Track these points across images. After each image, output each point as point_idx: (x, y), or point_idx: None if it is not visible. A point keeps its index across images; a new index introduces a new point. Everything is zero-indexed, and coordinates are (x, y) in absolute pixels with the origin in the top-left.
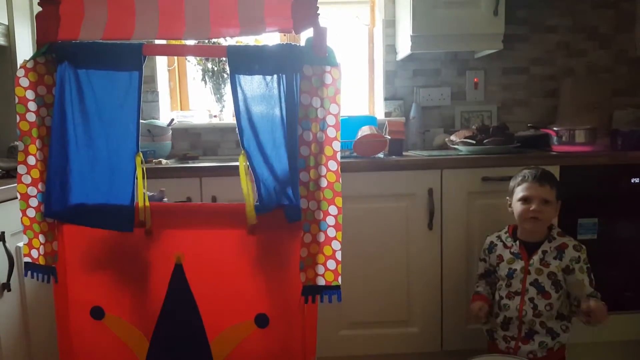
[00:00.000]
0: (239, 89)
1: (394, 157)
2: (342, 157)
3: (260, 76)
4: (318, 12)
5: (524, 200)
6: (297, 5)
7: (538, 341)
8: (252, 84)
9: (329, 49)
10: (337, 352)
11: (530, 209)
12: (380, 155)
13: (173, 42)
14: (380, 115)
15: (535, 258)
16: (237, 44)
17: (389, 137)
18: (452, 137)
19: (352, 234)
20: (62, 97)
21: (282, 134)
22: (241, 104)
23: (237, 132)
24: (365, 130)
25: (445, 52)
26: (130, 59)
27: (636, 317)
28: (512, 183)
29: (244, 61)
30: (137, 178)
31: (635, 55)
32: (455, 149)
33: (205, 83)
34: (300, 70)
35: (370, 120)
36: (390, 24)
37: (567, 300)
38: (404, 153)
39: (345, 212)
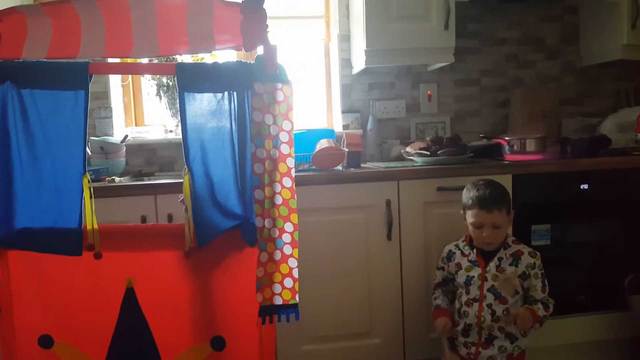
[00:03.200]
0: (187, 107)
1: (352, 169)
2: (300, 171)
3: (211, 94)
4: (268, 29)
5: (475, 226)
6: (247, 23)
7: (497, 346)
8: (202, 102)
9: (280, 66)
10: None
11: (483, 235)
12: (339, 167)
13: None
14: (338, 128)
15: (492, 265)
16: (186, 62)
17: (347, 150)
18: (408, 149)
19: (312, 247)
20: (4, 118)
21: (232, 153)
22: (189, 122)
23: (183, 151)
24: (323, 144)
25: (399, 66)
26: (76, 78)
27: (589, 319)
28: (463, 198)
29: (194, 79)
30: (84, 200)
31: (580, 66)
32: (411, 160)
33: (160, 98)
34: (252, 88)
35: (328, 133)
36: (345, 38)
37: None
38: (362, 165)
39: (304, 225)
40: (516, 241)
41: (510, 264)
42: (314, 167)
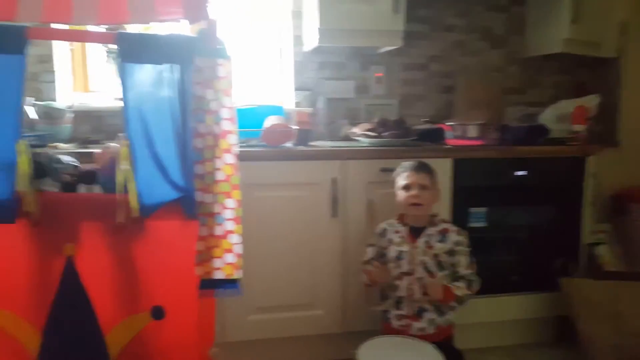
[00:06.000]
0: (127, 77)
1: (300, 147)
2: (249, 146)
3: (152, 65)
4: (208, 2)
5: (405, 187)
6: None
7: (427, 318)
8: (143, 73)
9: (221, 41)
10: (246, 336)
11: (411, 194)
12: (288, 144)
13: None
14: (289, 105)
15: (421, 241)
16: (127, 32)
17: (296, 127)
18: (355, 130)
19: (258, 222)
20: None
21: (172, 126)
22: (129, 93)
23: (123, 122)
24: (272, 120)
25: (350, 47)
26: (12, 42)
27: (521, 298)
28: (394, 174)
29: (135, 49)
30: (19, 166)
31: (524, 56)
32: (357, 140)
33: (111, 64)
34: (193, 62)
35: (277, 110)
36: (298, 15)
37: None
38: (311, 143)
39: (252, 201)
40: (444, 220)
41: (438, 241)
42: (263, 143)
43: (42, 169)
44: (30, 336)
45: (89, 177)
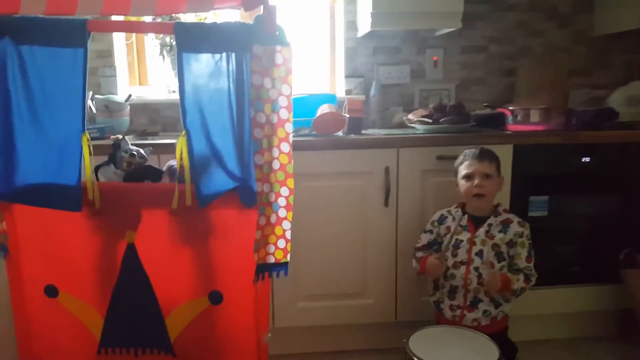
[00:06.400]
0: (185, 67)
1: (352, 135)
2: (301, 136)
3: (209, 55)
4: None
5: (467, 177)
6: None
7: (482, 309)
8: (200, 63)
9: (279, 27)
10: (295, 323)
11: (474, 184)
12: (339, 133)
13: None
14: (341, 93)
15: (481, 230)
16: (185, 21)
17: (348, 116)
18: (410, 116)
19: (310, 211)
20: (4, 74)
21: (230, 116)
22: (187, 83)
23: (180, 112)
24: (324, 109)
25: (405, 30)
26: (75, 35)
27: (582, 290)
28: (455, 164)
29: (192, 39)
30: (84, 157)
31: (592, 36)
32: (412, 127)
33: (164, 58)
34: (251, 50)
35: (329, 98)
36: (351, 0)
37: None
38: (363, 131)
39: (304, 190)
40: (507, 210)
41: (500, 231)
42: (314, 132)
43: (114, 157)
44: (94, 320)
45: (156, 175)
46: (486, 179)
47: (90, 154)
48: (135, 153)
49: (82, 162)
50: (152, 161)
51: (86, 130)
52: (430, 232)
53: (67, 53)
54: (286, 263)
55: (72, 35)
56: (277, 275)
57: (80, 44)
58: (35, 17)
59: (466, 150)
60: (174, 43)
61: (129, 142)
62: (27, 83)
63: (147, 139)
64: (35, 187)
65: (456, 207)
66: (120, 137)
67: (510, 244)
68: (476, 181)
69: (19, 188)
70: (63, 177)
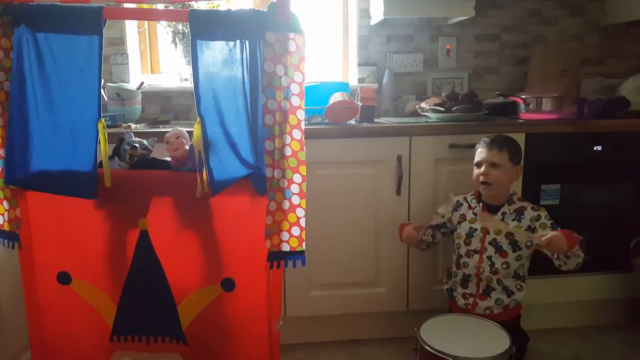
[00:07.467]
0: (199, 55)
1: (365, 124)
2: (313, 124)
3: (223, 42)
4: None
5: (477, 165)
6: None
7: (495, 298)
8: (214, 50)
9: (292, 15)
10: (307, 312)
11: (480, 172)
12: (352, 122)
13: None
14: (354, 81)
15: (495, 219)
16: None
17: (361, 104)
18: (422, 104)
19: (322, 199)
20: (20, 62)
21: (244, 103)
22: (201, 70)
23: (195, 99)
24: (337, 97)
25: (418, 18)
26: (90, 23)
27: (593, 278)
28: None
29: (206, 26)
30: (99, 144)
31: (605, 24)
32: (425, 116)
33: (176, 45)
34: (264, 37)
35: (342, 86)
36: None
37: (528, 262)
38: (375, 120)
39: (316, 178)
40: (521, 199)
41: (514, 219)
42: (326, 120)
43: (118, 150)
44: (106, 307)
45: (160, 166)
46: (492, 168)
47: (105, 141)
48: (137, 145)
49: (97, 149)
50: (161, 149)
51: (102, 118)
52: (443, 215)
53: (83, 40)
54: (302, 252)
55: (87, 22)
56: (294, 265)
57: (95, 31)
58: (51, 5)
59: (484, 137)
60: (186, 30)
61: (133, 135)
62: (43, 70)
63: (158, 127)
64: (50, 174)
65: (472, 195)
66: (133, 125)
67: (530, 230)
68: (483, 170)
69: (33, 175)
70: (78, 164)
